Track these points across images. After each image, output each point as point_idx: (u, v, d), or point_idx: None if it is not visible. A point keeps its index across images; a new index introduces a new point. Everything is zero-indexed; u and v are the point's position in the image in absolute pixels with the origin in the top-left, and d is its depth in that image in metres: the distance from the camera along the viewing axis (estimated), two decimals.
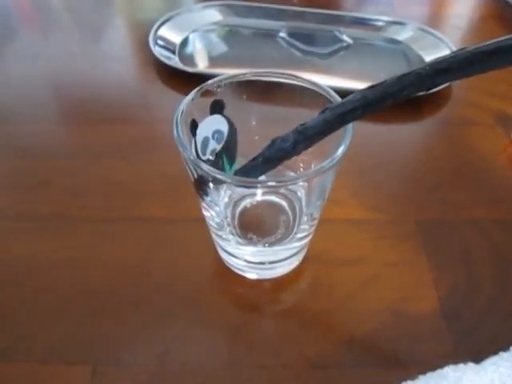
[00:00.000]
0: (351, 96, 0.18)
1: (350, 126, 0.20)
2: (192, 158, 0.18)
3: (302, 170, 0.25)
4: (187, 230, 0.28)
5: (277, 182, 0.18)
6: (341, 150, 0.19)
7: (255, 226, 0.26)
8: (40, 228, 0.28)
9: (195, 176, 0.19)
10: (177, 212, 0.29)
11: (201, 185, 0.20)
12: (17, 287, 0.25)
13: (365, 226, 0.28)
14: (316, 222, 0.23)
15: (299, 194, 0.22)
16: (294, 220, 0.24)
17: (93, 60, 0.44)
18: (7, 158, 0.33)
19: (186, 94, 0.22)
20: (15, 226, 0.28)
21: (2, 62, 0.44)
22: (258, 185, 0.18)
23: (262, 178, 0.22)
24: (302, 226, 0.23)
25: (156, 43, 0.42)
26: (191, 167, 0.19)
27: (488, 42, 0.16)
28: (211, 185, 0.19)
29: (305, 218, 0.22)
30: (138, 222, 0.28)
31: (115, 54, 0.45)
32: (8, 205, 0.30)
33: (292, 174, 0.25)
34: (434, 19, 0.53)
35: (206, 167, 0.18)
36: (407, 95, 0.17)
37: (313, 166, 0.24)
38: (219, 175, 0.17)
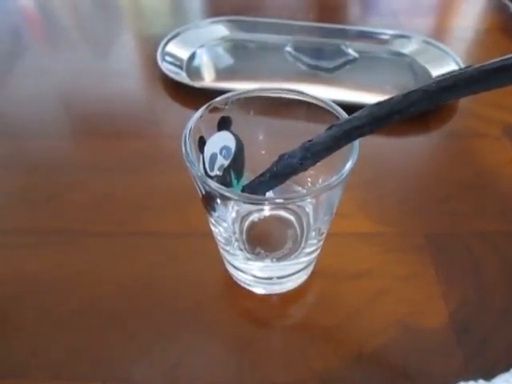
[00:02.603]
0: (358, 113, 0.18)
1: (357, 141, 0.20)
2: (200, 174, 0.18)
3: (309, 184, 0.25)
4: (195, 244, 0.28)
5: (284, 199, 0.18)
6: (348, 166, 0.19)
7: (263, 240, 0.26)
8: (47, 243, 0.28)
9: (203, 192, 0.20)
10: (184, 226, 0.29)
11: (209, 201, 0.20)
12: (25, 303, 0.25)
13: (373, 239, 0.28)
14: (324, 236, 0.23)
15: (307, 209, 0.22)
16: (302, 234, 0.24)
17: (101, 76, 0.45)
18: (14, 174, 0.34)
19: (193, 108, 0.22)
20: (22, 241, 0.29)
21: (11, 79, 0.44)
22: (266, 202, 0.18)
23: (270, 193, 0.22)
24: (310, 241, 0.23)
25: (164, 59, 0.43)
26: (199, 184, 0.19)
27: (494, 60, 0.16)
28: (219, 201, 0.20)
29: (313, 233, 0.22)
30: (146, 237, 0.29)
31: (124, 69, 0.46)
32: (15, 220, 0.30)
33: (299, 188, 0.26)
34: (439, 31, 0.54)
35: (213, 184, 0.18)
36: (414, 112, 0.17)
37: (320, 180, 0.24)
38: (227, 192, 0.18)
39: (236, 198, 0.18)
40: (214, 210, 0.21)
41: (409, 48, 0.45)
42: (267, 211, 0.26)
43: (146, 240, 0.28)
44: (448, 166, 0.34)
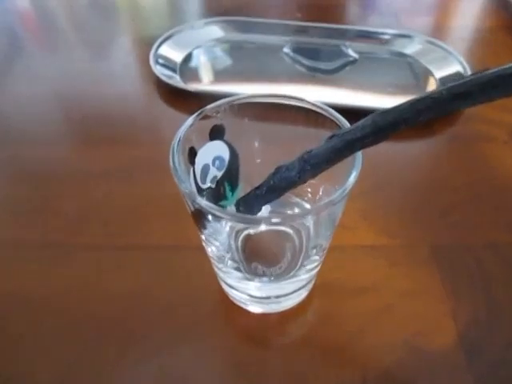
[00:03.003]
0: (361, 122, 0.17)
1: (360, 152, 0.18)
2: (188, 191, 0.17)
3: (309, 195, 0.24)
4: (190, 258, 0.26)
5: (282, 219, 0.16)
6: (351, 179, 0.17)
7: (260, 254, 0.25)
8: (38, 257, 0.27)
9: (192, 209, 0.18)
10: (179, 239, 0.27)
11: (199, 218, 0.18)
12: (16, 318, 0.24)
13: (376, 251, 0.27)
14: (325, 252, 0.22)
15: (307, 223, 0.21)
16: (301, 249, 0.23)
17: (95, 79, 0.43)
18: (4, 182, 0.32)
19: (188, 113, 0.21)
20: (12, 254, 0.27)
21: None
22: (262, 222, 0.16)
23: (267, 207, 0.21)
24: (310, 258, 0.21)
25: (157, 62, 0.41)
26: (188, 201, 0.18)
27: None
28: (210, 218, 0.18)
29: (314, 251, 0.21)
30: (139, 250, 0.27)
31: (119, 72, 0.45)
32: (4, 232, 0.29)
33: (298, 200, 0.24)
34: (441, 31, 0.52)
35: (204, 203, 0.16)
36: (422, 121, 0.16)
37: (321, 191, 0.23)
38: (218, 212, 0.16)
39: (228, 217, 0.16)
40: (205, 228, 0.19)
41: (411, 48, 0.44)
42: (264, 225, 0.24)
43: (138, 254, 0.27)
44: (454, 172, 0.32)
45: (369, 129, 0.17)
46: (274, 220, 0.16)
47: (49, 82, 0.43)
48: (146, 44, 0.44)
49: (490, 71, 0.14)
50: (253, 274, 0.21)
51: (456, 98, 0.15)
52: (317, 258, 0.22)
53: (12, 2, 0.59)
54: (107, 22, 0.54)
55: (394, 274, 0.26)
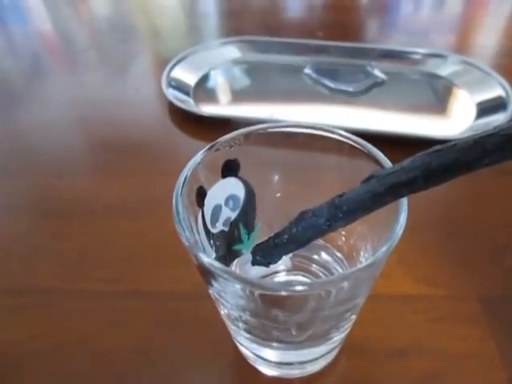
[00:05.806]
0: (407, 162, 0.14)
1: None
2: (189, 244, 0.14)
3: (343, 238, 0.20)
4: (201, 308, 0.23)
5: (309, 287, 0.13)
6: (397, 231, 0.14)
7: (280, 301, 0.21)
8: (28, 306, 0.24)
9: (196, 264, 0.15)
10: (188, 285, 0.24)
11: (205, 274, 0.15)
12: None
13: (414, 303, 0.23)
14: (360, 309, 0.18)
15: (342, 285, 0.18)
16: (333, 308, 0.19)
17: (106, 105, 0.41)
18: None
19: (201, 138, 0.18)
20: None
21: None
22: (281, 290, 0.13)
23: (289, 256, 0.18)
24: (346, 318, 0.18)
25: (170, 85, 0.39)
26: (190, 255, 0.14)
27: None
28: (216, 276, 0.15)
29: (349, 313, 0.17)
30: (144, 298, 0.24)
31: (130, 97, 0.43)
32: None
33: (328, 245, 0.21)
34: (476, 50, 0.49)
35: (206, 260, 0.13)
36: (489, 164, 0.12)
37: (355, 235, 0.19)
38: (222, 272, 0.13)
39: (236, 282, 0.13)
40: (212, 285, 0.16)
41: (445, 69, 0.40)
42: (283, 277, 0.21)
43: (143, 302, 0.24)
44: (507, 208, 0.29)
45: (418, 171, 0.13)
46: (300, 288, 0.13)
47: (59, 109, 0.41)
48: (160, 66, 0.42)
49: None
50: (272, 339, 0.18)
51: None
52: (353, 317, 0.18)
53: (35, 25, 0.60)
54: (125, 44, 0.53)
55: (438, 332, 0.22)
